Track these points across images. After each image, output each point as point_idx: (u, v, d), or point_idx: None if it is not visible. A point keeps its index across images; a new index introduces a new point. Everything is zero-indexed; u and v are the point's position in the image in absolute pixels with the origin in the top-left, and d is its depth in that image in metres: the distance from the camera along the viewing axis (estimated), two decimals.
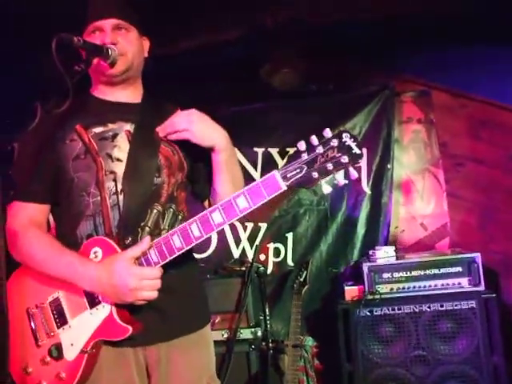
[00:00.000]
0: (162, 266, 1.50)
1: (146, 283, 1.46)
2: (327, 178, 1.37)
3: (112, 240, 1.52)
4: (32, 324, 1.58)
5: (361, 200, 3.45)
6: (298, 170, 1.36)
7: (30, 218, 1.60)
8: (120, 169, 1.60)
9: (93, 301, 1.52)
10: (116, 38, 1.62)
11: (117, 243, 1.52)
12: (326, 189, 1.40)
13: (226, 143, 1.64)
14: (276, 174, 1.39)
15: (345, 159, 1.34)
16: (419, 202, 3.55)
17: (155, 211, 1.61)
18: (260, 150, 3.53)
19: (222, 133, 1.65)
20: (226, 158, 1.64)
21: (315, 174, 1.36)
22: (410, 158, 3.58)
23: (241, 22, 3.23)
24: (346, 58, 3.53)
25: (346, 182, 1.38)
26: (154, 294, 1.48)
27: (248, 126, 3.51)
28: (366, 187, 3.46)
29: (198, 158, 1.71)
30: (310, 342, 3.05)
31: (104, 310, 1.51)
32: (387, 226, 3.45)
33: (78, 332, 1.53)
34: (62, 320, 1.55)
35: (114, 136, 1.63)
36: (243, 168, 3.50)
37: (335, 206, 3.46)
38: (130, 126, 1.65)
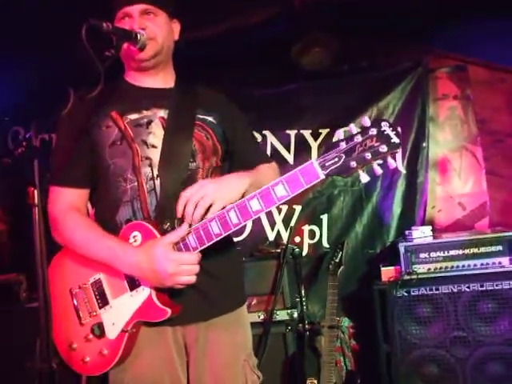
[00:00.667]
0: (202, 251, 1.53)
1: (184, 268, 1.49)
2: (364, 167, 1.37)
3: (151, 225, 1.56)
4: (75, 303, 1.64)
5: (396, 180, 3.39)
6: (337, 159, 1.37)
7: (69, 202, 1.65)
8: (155, 155, 1.63)
9: (133, 283, 1.57)
10: (144, 22, 1.64)
11: (155, 228, 1.56)
12: (364, 178, 1.40)
13: (248, 185, 1.59)
14: (314, 162, 1.40)
15: (383, 148, 1.34)
16: (456, 181, 3.47)
17: None
18: (293, 132, 3.51)
19: (239, 181, 1.59)
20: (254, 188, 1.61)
21: (353, 164, 1.36)
22: (446, 135, 3.49)
23: (268, 4, 3.20)
24: (377, 36, 3.45)
25: (381, 172, 1.38)
26: (192, 279, 1.51)
27: (279, 108, 3.50)
28: (401, 166, 3.39)
29: (233, 140, 1.76)
30: (346, 322, 3.04)
31: (144, 293, 1.55)
32: (423, 206, 3.38)
33: (119, 312, 1.58)
34: (103, 300, 1.62)
35: (149, 123, 1.66)
36: (276, 151, 3.51)
37: (370, 187, 3.40)
38: (163, 113, 1.68)
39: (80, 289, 1.64)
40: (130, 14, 1.64)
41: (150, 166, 1.62)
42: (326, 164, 1.38)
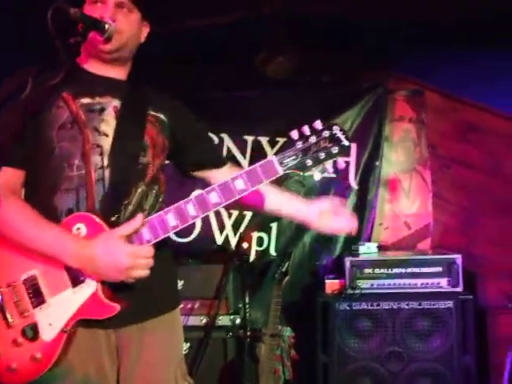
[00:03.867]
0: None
1: (139, 262, 1.44)
2: (319, 166, 1.47)
3: (97, 216, 1.48)
4: (1, 304, 1.49)
5: (347, 194, 3.46)
6: (294, 157, 1.46)
7: (6, 183, 1.52)
8: (106, 143, 1.57)
9: (76, 278, 1.47)
10: (116, 14, 1.58)
11: (102, 220, 1.48)
12: (317, 176, 1.49)
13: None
14: (274, 159, 1.46)
15: (335, 150, 1.45)
16: (404, 201, 3.58)
17: (140, 190, 1.60)
18: (250, 139, 3.52)
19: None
20: None
21: (309, 162, 1.46)
22: (399, 156, 3.60)
23: (236, 6, 3.19)
24: (341, 52, 3.52)
25: (332, 171, 1.50)
26: (146, 273, 1.46)
27: (239, 112, 3.50)
28: (354, 182, 3.47)
29: (185, 141, 1.77)
30: (287, 332, 3.05)
31: (88, 289, 1.46)
32: (371, 222, 3.47)
33: (59, 311, 1.47)
34: (38, 299, 1.48)
35: (102, 110, 1.59)
36: (233, 155, 3.50)
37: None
38: (117, 102, 1.62)
39: (9, 287, 1.49)
40: (105, 1, 1.59)
41: (101, 154, 1.55)
42: (285, 161, 1.46)
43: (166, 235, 1.48)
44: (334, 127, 1.46)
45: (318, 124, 1.46)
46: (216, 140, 3.47)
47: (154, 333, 1.63)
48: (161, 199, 1.67)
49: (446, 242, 3.49)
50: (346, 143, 1.45)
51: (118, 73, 1.69)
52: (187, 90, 3.31)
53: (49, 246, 1.46)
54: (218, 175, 1.77)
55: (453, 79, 3.47)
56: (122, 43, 1.61)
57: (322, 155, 1.45)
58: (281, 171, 1.46)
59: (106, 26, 1.54)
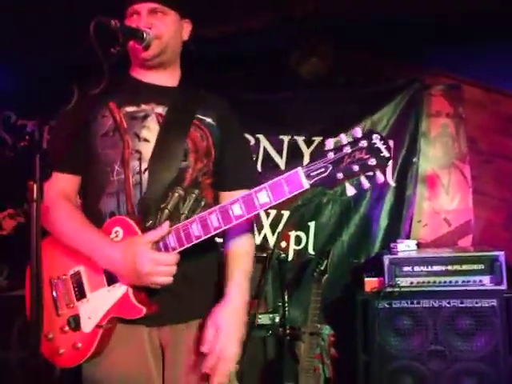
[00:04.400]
0: (179, 252, 1.52)
1: (161, 269, 1.48)
2: (352, 180, 1.33)
3: (133, 221, 1.55)
4: (54, 293, 1.63)
5: (385, 192, 3.43)
6: (323, 169, 1.33)
7: (61, 188, 1.65)
8: (146, 149, 1.62)
9: (111, 278, 1.56)
10: (151, 21, 1.64)
11: (138, 225, 1.55)
12: (350, 190, 1.35)
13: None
14: (300, 171, 1.35)
15: (372, 162, 1.30)
16: (444, 197, 3.52)
17: (176, 194, 1.63)
18: (286, 138, 3.54)
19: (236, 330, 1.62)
20: None
21: (340, 175, 1.32)
22: (437, 152, 3.54)
23: (270, 11, 3.22)
24: (375, 50, 3.50)
25: (369, 185, 1.34)
26: (168, 280, 1.50)
27: (275, 113, 3.52)
28: (391, 179, 3.44)
29: (226, 153, 1.73)
30: (327, 330, 3.07)
31: (120, 289, 1.54)
32: (410, 220, 3.43)
33: (95, 306, 1.57)
34: (81, 293, 1.60)
35: (145, 117, 1.65)
36: (268, 155, 3.52)
37: (359, 197, 3.44)
38: (162, 109, 1.67)
39: (59, 279, 1.63)
40: (139, 11, 1.65)
41: (139, 159, 1.61)
42: (312, 174, 1.34)
43: (191, 244, 1.50)
44: (374, 136, 1.31)
45: (357, 132, 1.33)
46: (253, 141, 3.51)
47: (195, 333, 1.65)
48: (203, 203, 1.67)
49: (489, 238, 3.42)
50: (387, 154, 1.30)
51: (166, 78, 1.74)
52: (223, 92, 3.40)
53: (84, 246, 1.57)
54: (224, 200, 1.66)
55: (490, 72, 3.40)
56: (161, 48, 1.66)
57: (356, 167, 1.30)
58: (306, 185, 1.35)
59: (144, 35, 1.61)
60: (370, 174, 1.31)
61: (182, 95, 1.72)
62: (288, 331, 3.02)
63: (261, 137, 3.54)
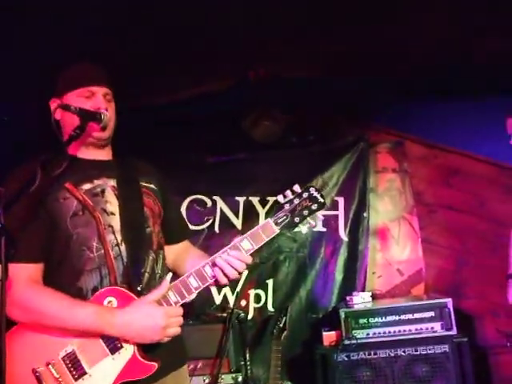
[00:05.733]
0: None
1: (173, 320, 1.63)
2: (304, 222, 1.76)
3: (125, 288, 1.65)
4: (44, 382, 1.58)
5: (338, 247, 3.57)
6: (285, 217, 1.74)
7: (27, 276, 1.65)
8: (115, 222, 1.73)
9: (114, 346, 1.61)
10: (106, 104, 1.78)
11: (130, 291, 1.65)
12: (304, 230, 1.75)
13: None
14: (270, 221, 1.74)
15: (314, 207, 1.75)
16: (395, 248, 3.68)
17: (151, 258, 1.76)
18: (241, 199, 3.66)
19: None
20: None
21: (297, 219, 1.74)
22: (386, 205, 3.73)
23: (225, 76, 3.40)
24: (323, 111, 3.73)
25: (314, 224, 1.80)
26: (179, 330, 1.66)
27: (230, 175, 3.65)
28: (344, 234, 3.60)
29: (168, 211, 1.94)
30: None
31: (126, 353, 1.61)
32: (364, 272, 3.56)
33: (100, 379, 1.59)
34: (79, 372, 1.59)
35: (103, 191, 1.75)
36: (225, 216, 3.63)
37: (314, 253, 3.57)
38: (113, 182, 1.79)
39: (47, 366, 1.58)
40: (96, 93, 1.78)
41: (113, 233, 1.71)
42: (279, 221, 1.73)
43: (192, 295, 1.68)
44: (311, 189, 1.75)
45: (297, 188, 1.75)
46: (209, 203, 3.63)
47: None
48: (165, 261, 1.88)
49: (440, 285, 3.58)
50: (322, 200, 1.75)
51: (107, 154, 1.88)
52: (179, 157, 3.53)
53: (86, 322, 1.59)
54: (174, 250, 2.00)
55: (431, 128, 3.65)
56: (112, 129, 1.83)
57: (306, 212, 1.74)
58: (277, 230, 1.73)
59: (103, 116, 1.74)
60: (314, 215, 1.77)
61: (121, 166, 1.85)
62: None
63: (217, 199, 3.66)
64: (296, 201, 1.74)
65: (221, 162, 3.71)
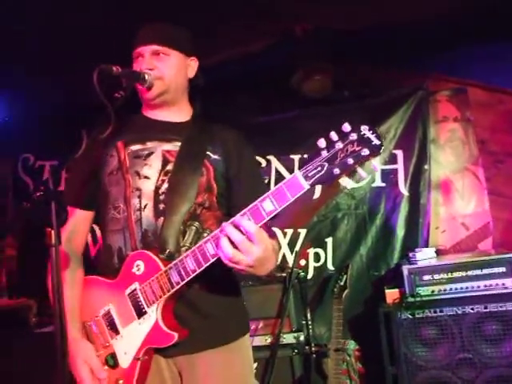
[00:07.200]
0: (190, 283, 1.55)
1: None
2: (350, 173, 1.36)
3: (153, 253, 1.60)
4: (90, 336, 1.69)
5: (399, 202, 3.44)
6: (320, 168, 1.36)
7: (74, 225, 1.74)
8: (146, 186, 1.68)
9: (140, 311, 1.61)
10: (153, 63, 1.72)
11: (157, 256, 1.60)
12: (350, 184, 1.42)
13: None
14: (298, 174, 1.39)
15: (365, 152, 1.32)
16: (459, 202, 3.51)
17: (181, 228, 1.64)
18: (296, 157, 3.58)
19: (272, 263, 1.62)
20: None
21: (337, 171, 1.34)
22: (448, 157, 3.54)
23: (269, 33, 3.27)
24: (377, 62, 3.53)
25: (366, 175, 1.39)
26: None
27: (283, 133, 3.58)
28: (404, 189, 3.45)
29: (237, 183, 1.75)
30: (352, 345, 3.06)
31: (151, 319, 1.60)
32: (427, 227, 3.42)
33: (130, 341, 1.63)
34: (114, 330, 1.66)
35: (149, 154, 1.71)
36: (281, 175, 3.57)
37: (373, 210, 3.46)
38: (171, 146, 1.72)
39: (93, 321, 1.69)
40: (143, 54, 1.73)
41: (139, 196, 1.67)
42: (310, 174, 1.36)
43: (208, 263, 1.49)
44: (362, 127, 1.33)
45: (346, 127, 1.34)
46: (264, 163, 3.56)
47: (210, 364, 1.66)
48: (206, 234, 1.65)
49: (510, 239, 3.38)
50: (377, 142, 1.32)
51: (175, 115, 1.80)
52: (230, 119, 3.46)
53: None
54: None
55: (493, 73, 3.40)
56: (164, 88, 1.74)
57: (351, 160, 1.33)
58: (306, 186, 1.37)
59: (146, 77, 1.69)
60: (364, 163, 1.35)
61: (193, 130, 1.77)
62: (313, 349, 3.03)
63: (272, 158, 3.60)
64: (338, 145, 1.33)
65: (273, 120, 3.63)
